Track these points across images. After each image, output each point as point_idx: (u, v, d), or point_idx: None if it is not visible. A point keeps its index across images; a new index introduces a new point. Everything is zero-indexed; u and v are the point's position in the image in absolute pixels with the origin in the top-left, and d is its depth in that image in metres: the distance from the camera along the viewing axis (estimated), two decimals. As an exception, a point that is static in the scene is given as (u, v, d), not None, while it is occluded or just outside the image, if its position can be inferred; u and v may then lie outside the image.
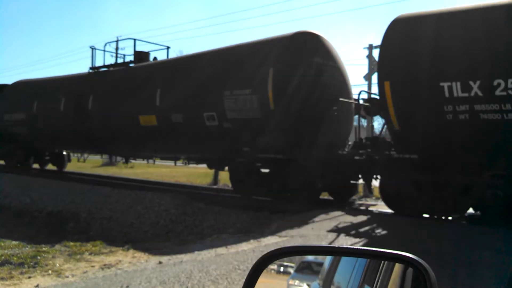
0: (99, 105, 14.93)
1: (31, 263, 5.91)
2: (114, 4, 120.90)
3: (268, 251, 1.34)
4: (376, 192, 13.46)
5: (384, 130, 10.54)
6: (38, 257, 6.23)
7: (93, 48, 16.58)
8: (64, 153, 20.62)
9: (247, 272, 1.33)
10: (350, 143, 11.49)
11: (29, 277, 5.32)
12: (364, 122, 14.40)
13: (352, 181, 10.84)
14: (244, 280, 1.33)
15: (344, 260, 1.49)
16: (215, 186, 15.57)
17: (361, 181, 11.06)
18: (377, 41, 20.46)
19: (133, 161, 20.66)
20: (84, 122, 15.28)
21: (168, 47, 16.18)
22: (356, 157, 10.17)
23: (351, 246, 1.33)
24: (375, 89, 12.71)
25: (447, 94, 7.91)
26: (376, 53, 14.38)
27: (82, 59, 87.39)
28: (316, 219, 8.71)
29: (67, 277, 5.33)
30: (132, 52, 16.05)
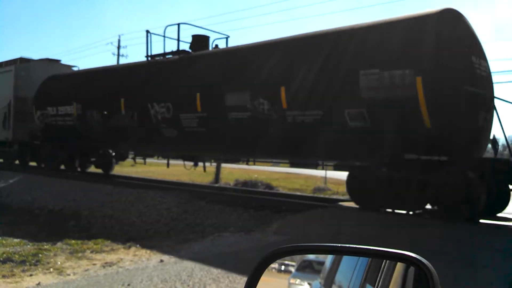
0: None
1: (33, 261, 5.92)
2: (113, 3, 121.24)
3: (270, 250, 1.34)
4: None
5: None
6: (40, 255, 6.25)
7: None
8: None
9: (248, 271, 1.33)
10: None
11: (31, 275, 5.33)
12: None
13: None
14: (245, 279, 1.33)
15: (346, 259, 1.49)
16: (216, 185, 15.56)
17: None
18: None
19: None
20: None
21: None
22: None
23: (353, 245, 1.33)
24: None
25: None
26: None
27: (82, 58, 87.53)
28: (317, 218, 8.70)
29: (69, 275, 5.34)
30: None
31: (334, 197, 13.30)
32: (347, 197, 13.22)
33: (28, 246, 7.15)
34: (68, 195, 13.11)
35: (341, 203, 11.35)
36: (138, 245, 7.07)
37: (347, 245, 1.30)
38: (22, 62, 19.68)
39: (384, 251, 1.25)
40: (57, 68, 19.40)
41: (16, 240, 8.07)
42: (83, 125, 14.84)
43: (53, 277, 5.24)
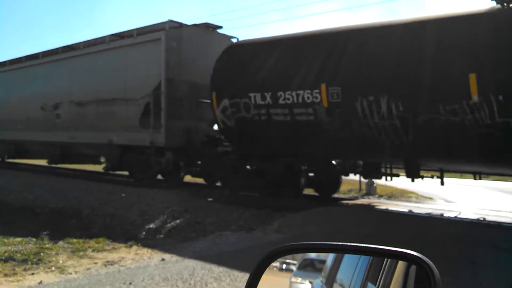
0: None
1: (34, 260, 5.93)
2: (112, 1, 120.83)
3: (271, 248, 1.34)
4: (379, 189, 13.47)
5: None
6: (41, 254, 6.26)
7: None
8: None
9: (250, 270, 1.33)
10: None
11: (33, 274, 5.34)
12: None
13: None
14: (246, 277, 1.33)
15: (347, 257, 1.49)
16: (217, 184, 15.50)
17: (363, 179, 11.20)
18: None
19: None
20: None
21: None
22: None
23: (354, 244, 1.34)
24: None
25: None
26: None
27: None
28: (318, 216, 8.70)
29: (70, 273, 5.35)
30: None
31: (335, 195, 13.29)
32: (348, 195, 13.23)
33: (30, 244, 7.15)
34: (70, 193, 13.13)
35: (342, 201, 11.35)
36: (139, 244, 7.08)
37: (349, 244, 1.30)
38: (172, 27, 13.16)
39: (386, 249, 1.25)
40: (216, 38, 13.61)
41: (17, 238, 8.08)
42: (346, 122, 8.93)
43: (55, 276, 5.24)
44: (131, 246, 6.96)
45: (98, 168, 19.13)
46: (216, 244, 6.93)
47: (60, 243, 7.12)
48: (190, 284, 4.69)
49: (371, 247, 1.26)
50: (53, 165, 19.02)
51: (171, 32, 12.88)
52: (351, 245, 1.29)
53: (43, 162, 20.77)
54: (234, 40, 13.74)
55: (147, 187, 12.71)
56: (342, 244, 1.32)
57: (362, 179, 11.55)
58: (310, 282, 1.61)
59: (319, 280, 1.60)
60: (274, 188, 11.04)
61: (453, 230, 7.57)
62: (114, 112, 13.99)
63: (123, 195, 11.50)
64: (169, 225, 9.85)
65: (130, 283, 4.75)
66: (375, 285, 1.37)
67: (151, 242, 7.54)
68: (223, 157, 11.84)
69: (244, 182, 11.47)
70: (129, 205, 11.37)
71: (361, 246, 1.27)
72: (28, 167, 19.99)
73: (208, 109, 12.12)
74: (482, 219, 8.85)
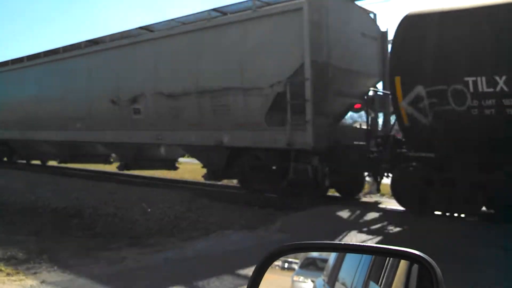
0: None
1: (37, 259, 5.95)
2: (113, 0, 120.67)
3: (274, 247, 1.34)
4: (383, 188, 13.47)
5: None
6: (43, 253, 6.27)
7: None
8: None
9: (252, 269, 1.34)
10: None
11: (35, 273, 5.36)
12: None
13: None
14: (249, 276, 1.33)
15: (349, 256, 1.49)
16: (219, 183, 15.46)
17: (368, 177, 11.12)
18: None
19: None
20: None
21: None
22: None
23: (356, 243, 1.35)
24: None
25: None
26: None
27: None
28: (321, 215, 8.71)
29: (73, 273, 5.36)
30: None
31: (337, 194, 13.29)
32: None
33: (32, 244, 7.18)
34: (72, 193, 13.15)
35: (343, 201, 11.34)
36: (142, 243, 7.09)
37: (351, 243, 1.30)
38: None
39: (388, 248, 1.25)
40: (355, 11, 10.95)
41: (20, 238, 8.10)
42: None
43: (57, 275, 5.26)
44: (133, 245, 6.98)
45: (101, 167, 18.90)
46: (219, 243, 6.94)
47: (62, 242, 7.14)
48: (192, 284, 4.70)
49: (373, 247, 1.27)
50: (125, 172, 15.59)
51: (314, 0, 9.78)
52: (353, 245, 1.30)
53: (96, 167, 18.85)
54: (372, 16, 11.29)
55: (149, 187, 12.74)
56: (344, 244, 1.32)
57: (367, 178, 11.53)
58: (312, 281, 1.62)
59: (321, 279, 1.60)
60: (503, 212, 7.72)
61: (454, 228, 7.56)
62: (226, 105, 10.92)
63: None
64: (171, 224, 9.87)
65: (132, 283, 4.77)
66: (377, 284, 1.37)
67: (154, 241, 7.55)
68: (409, 165, 8.83)
69: (444, 200, 8.17)
70: (131, 204, 11.39)
71: (363, 245, 1.28)
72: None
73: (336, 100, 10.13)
74: (483, 217, 8.83)
